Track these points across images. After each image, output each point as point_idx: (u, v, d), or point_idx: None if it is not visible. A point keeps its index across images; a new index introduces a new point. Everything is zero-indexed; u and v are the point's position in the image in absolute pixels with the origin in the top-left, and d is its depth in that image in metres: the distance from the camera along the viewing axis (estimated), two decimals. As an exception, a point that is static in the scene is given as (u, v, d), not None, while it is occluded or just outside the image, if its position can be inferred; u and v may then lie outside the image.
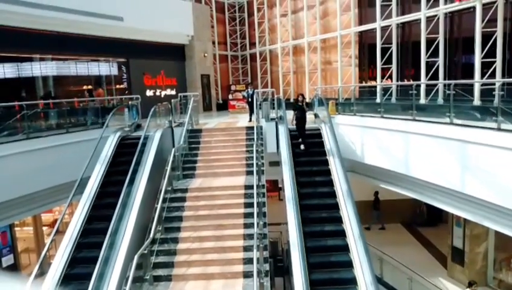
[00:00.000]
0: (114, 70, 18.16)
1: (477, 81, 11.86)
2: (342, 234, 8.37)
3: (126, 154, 10.45)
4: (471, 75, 12.15)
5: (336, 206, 9.04)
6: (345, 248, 8.04)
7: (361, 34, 17.01)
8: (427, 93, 13.40)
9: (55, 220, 14.77)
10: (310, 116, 12.47)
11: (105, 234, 7.86)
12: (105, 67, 17.81)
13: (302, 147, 11.05)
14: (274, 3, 21.52)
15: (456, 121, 8.94)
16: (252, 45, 23.84)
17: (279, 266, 11.82)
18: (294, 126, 11.36)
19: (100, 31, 15.85)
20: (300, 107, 11.47)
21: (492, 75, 11.61)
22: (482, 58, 11.76)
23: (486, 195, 7.95)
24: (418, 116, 10.16)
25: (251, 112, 14.22)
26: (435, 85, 13.26)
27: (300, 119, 11.35)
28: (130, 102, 13.59)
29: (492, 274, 12.83)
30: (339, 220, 8.72)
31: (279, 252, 13.09)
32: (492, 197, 7.84)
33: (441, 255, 14.70)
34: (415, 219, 17.98)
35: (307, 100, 13.24)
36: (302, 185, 9.72)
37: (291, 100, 19.48)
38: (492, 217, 8.33)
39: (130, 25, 16.57)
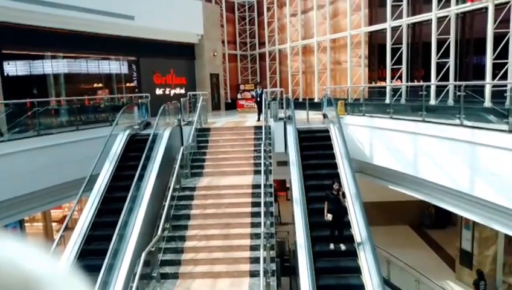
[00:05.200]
0: (124, 69, 18.32)
1: (488, 83, 11.73)
2: (350, 239, 8.22)
3: (135, 152, 10.54)
4: (482, 77, 12.03)
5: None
6: (353, 253, 7.93)
7: (371, 34, 16.93)
8: (437, 95, 13.28)
9: (65, 217, 14.93)
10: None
11: (115, 227, 7.94)
12: (115, 66, 17.97)
13: (342, 247, 8.12)
14: (284, 2, 21.50)
15: (466, 122, 8.85)
16: (262, 44, 23.85)
17: (285, 265, 11.82)
18: (327, 220, 8.17)
19: (111, 29, 16.02)
20: (335, 199, 8.22)
21: (504, 76, 11.47)
22: (494, 59, 11.63)
23: (496, 197, 7.88)
24: (427, 117, 10.08)
25: (259, 112, 14.24)
26: (445, 86, 13.14)
27: (337, 216, 8.15)
28: (139, 100, 13.70)
29: (501, 278, 12.70)
30: (346, 224, 8.56)
31: (286, 252, 13.09)
32: (501, 199, 7.77)
33: (449, 258, 14.58)
34: (423, 221, 17.85)
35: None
36: (310, 186, 9.65)
37: (300, 100, 19.49)
38: (501, 220, 8.25)
39: (140, 24, 16.70)
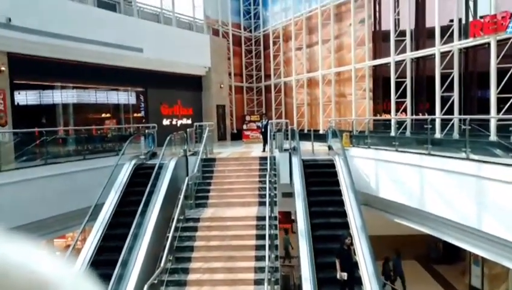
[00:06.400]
0: (132, 99, 18.63)
1: (493, 117, 11.77)
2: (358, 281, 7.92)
3: (141, 182, 10.55)
4: (487, 110, 12.08)
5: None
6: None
7: (375, 68, 17.19)
8: (442, 128, 13.31)
9: (68, 246, 14.79)
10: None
11: (122, 247, 8.02)
12: (123, 96, 18.28)
13: None
14: (289, 37, 22.01)
15: (472, 156, 8.83)
16: (267, 76, 24.26)
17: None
18: (342, 279, 7.61)
19: (120, 61, 16.37)
20: (347, 254, 7.82)
21: (509, 110, 11.51)
22: (498, 93, 11.71)
23: (505, 233, 7.74)
24: (433, 150, 10.07)
25: (265, 142, 14.31)
26: (450, 119, 13.18)
27: (348, 272, 7.62)
28: (146, 130, 13.84)
29: (513, 317, 12.29)
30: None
31: (291, 287, 12.80)
32: (510, 235, 7.63)
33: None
34: (430, 256, 17.45)
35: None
36: (316, 224, 9.49)
37: (305, 131, 19.59)
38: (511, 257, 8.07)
39: (149, 56, 17.10)
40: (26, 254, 0.46)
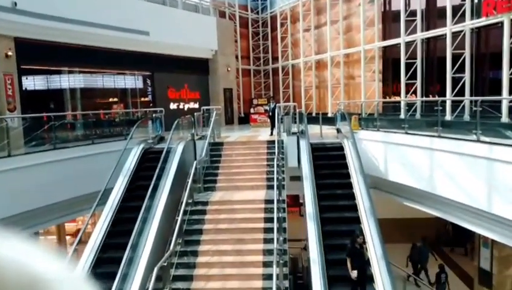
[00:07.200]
0: (139, 84, 18.58)
1: (505, 98, 11.55)
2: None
3: (149, 166, 10.59)
4: (498, 92, 11.85)
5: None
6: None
7: (385, 49, 16.89)
8: (453, 110, 13.12)
9: (78, 230, 15.02)
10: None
11: (131, 231, 8.10)
12: (130, 81, 18.24)
13: None
14: (297, 18, 21.66)
15: (483, 138, 8.70)
16: (275, 59, 23.99)
17: (299, 283, 11.62)
18: (353, 278, 7.37)
19: (127, 45, 16.29)
20: (359, 252, 7.49)
21: (521, 91, 11.30)
22: (511, 74, 11.46)
23: (515, 215, 7.67)
24: (443, 132, 9.94)
25: (272, 126, 14.23)
26: (461, 101, 12.97)
27: (361, 270, 7.35)
28: (154, 115, 13.83)
29: (522, 299, 12.29)
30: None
31: (300, 269, 12.89)
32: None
33: (467, 277, 14.16)
34: (439, 239, 17.42)
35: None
36: (324, 206, 9.48)
37: (313, 115, 19.44)
38: (522, 239, 8.02)
39: (155, 39, 16.97)
40: (16, 249, 0.45)
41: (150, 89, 18.72)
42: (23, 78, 13.62)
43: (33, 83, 14.70)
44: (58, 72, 15.41)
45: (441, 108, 11.41)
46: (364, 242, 7.63)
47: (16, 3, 12.07)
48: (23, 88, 13.52)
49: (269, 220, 9.01)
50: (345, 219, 9.19)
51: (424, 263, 13.79)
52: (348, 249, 7.56)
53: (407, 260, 13.96)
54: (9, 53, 12.40)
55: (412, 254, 14.10)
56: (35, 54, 13.52)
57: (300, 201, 16.19)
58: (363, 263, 7.47)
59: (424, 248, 13.94)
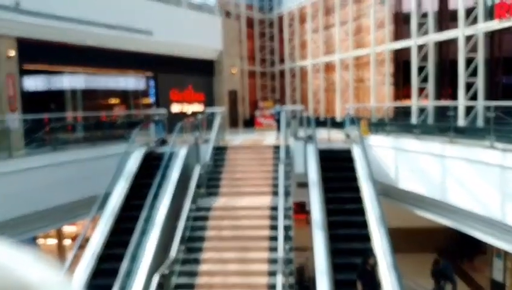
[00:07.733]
0: (142, 85, 18.30)
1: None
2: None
3: (151, 170, 10.31)
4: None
5: (367, 238, 8.45)
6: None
7: (396, 52, 16.47)
8: (466, 115, 12.73)
9: (78, 234, 14.77)
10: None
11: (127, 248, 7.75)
12: (133, 82, 17.95)
13: None
14: (305, 18, 21.32)
15: (497, 145, 8.36)
16: (282, 61, 23.64)
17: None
18: None
19: (130, 45, 16.00)
20: (369, 274, 7.18)
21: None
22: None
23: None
24: (456, 138, 9.61)
25: (279, 130, 13.88)
26: (474, 106, 12.58)
27: None
28: (157, 117, 13.52)
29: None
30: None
31: (306, 279, 12.53)
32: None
33: (480, 288, 13.71)
34: (451, 249, 16.92)
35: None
36: (331, 210, 9.18)
37: (321, 119, 19.06)
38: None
39: (159, 39, 16.70)
40: (11, 257, 0.45)
41: (153, 90, 18.42)
42: (25, 79, 13.38)
43: (34, 83, 14.43)
44: (60, 73, 15.13)
45: (453, 113, 11.07)
46: (375, 264, 7.18)
47: (18, 3, 11.86)
48: (24, 89, 13.28)
49: (275, 227, 8.69)
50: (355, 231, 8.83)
51: (452, 277, 12.78)
52: (358, 271, 7.15)
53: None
54: (12, 53, 12.19)
55: (434, 269, 13.28)
56: (37, 54, 13.31)
57: (307, 209, 15.84)
58: (374, 287, 7.03)
59: (447, 263, 13.09)
